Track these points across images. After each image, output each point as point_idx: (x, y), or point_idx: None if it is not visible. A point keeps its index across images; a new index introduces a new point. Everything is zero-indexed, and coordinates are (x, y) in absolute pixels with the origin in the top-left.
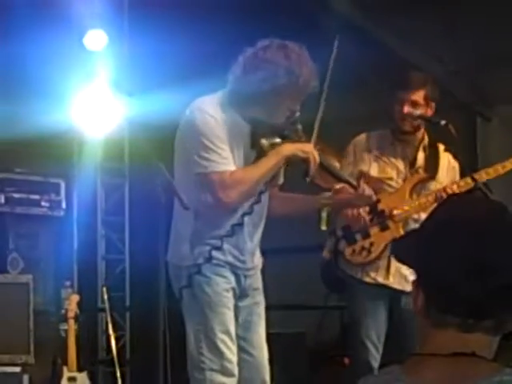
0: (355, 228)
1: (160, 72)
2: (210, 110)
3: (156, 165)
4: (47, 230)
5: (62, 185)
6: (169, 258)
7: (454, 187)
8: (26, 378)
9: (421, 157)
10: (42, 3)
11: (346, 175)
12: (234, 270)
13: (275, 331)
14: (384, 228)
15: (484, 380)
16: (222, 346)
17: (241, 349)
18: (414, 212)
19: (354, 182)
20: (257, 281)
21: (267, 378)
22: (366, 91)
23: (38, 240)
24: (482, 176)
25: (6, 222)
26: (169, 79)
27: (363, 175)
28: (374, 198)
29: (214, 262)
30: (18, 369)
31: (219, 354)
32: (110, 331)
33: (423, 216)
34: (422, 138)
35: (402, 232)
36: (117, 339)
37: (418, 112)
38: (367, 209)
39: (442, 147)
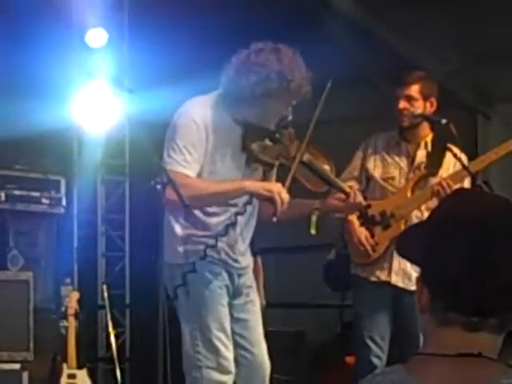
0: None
1: (160, 69)
2: (199, 113)
3: (156, 162)
4: (47, 227)
5: (63, 182)
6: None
7: (450, 180)
8: (25, 375)
9: (421, 154)
10: (44, 2)
11: (338, 180)
12: (227, 268)
13: (276, 329)
14: (386, 227)
15: (491, 382)
16: (217, 343)
17: (240, 347)
18: (414, 208)
19: (346, 188)
20: (249, 279)
21: (268, 374)
22: (367, 89)
23: (38, 237)
24: (477, 164)
25: (6, 219)
26: (169, 76)
27: (369, 178)
28: (364, 203)
29: (208, 259)
30: (17, 366)
31: (215, 351)
32: (110, 328)
33: (426, 214)
34: (425, 136)
35: None
36: (116, 336)
37: (418, 110)
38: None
39: (453, 148)
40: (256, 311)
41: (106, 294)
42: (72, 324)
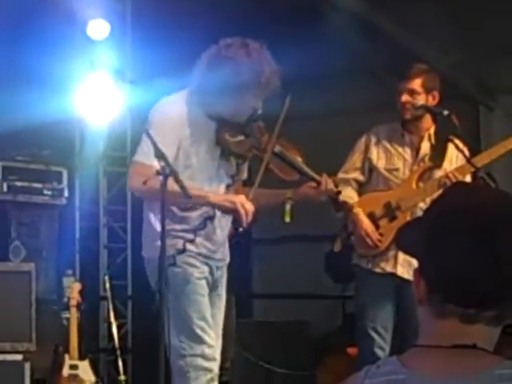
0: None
1: (162, 61)
2: (173, 109)
3: (159, 153)
4: (49, 218)
5: (65, 173)
6: (143, 252)
7: (456, 173)
8: (27, 365)
9: (426, 146)
10: None
11: (309, 170)
12: (206, 261)
13: (279, 320)
14: (392, 219)
15: (484, 372)
16: (200, 332)
17: None
18: (420, 200)
19: (316, 176)
20: (224, 274)
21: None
22: (369, 81)
23: (40, 228)
24: (484, 158)
25: (8, 211)
26: (171, 68)
27: (372, 169)
28: (335, 190)
29: (187, 253)
30: (19, 357)
31: (198, 340)
32: (112, 319)
33: None
34: (428, 128)
35: None
36: (118, 327)
37: (420, 102)
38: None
39: (455, 140)
40: (222, 307)
41: (107, 285)
42: (74, 315)
